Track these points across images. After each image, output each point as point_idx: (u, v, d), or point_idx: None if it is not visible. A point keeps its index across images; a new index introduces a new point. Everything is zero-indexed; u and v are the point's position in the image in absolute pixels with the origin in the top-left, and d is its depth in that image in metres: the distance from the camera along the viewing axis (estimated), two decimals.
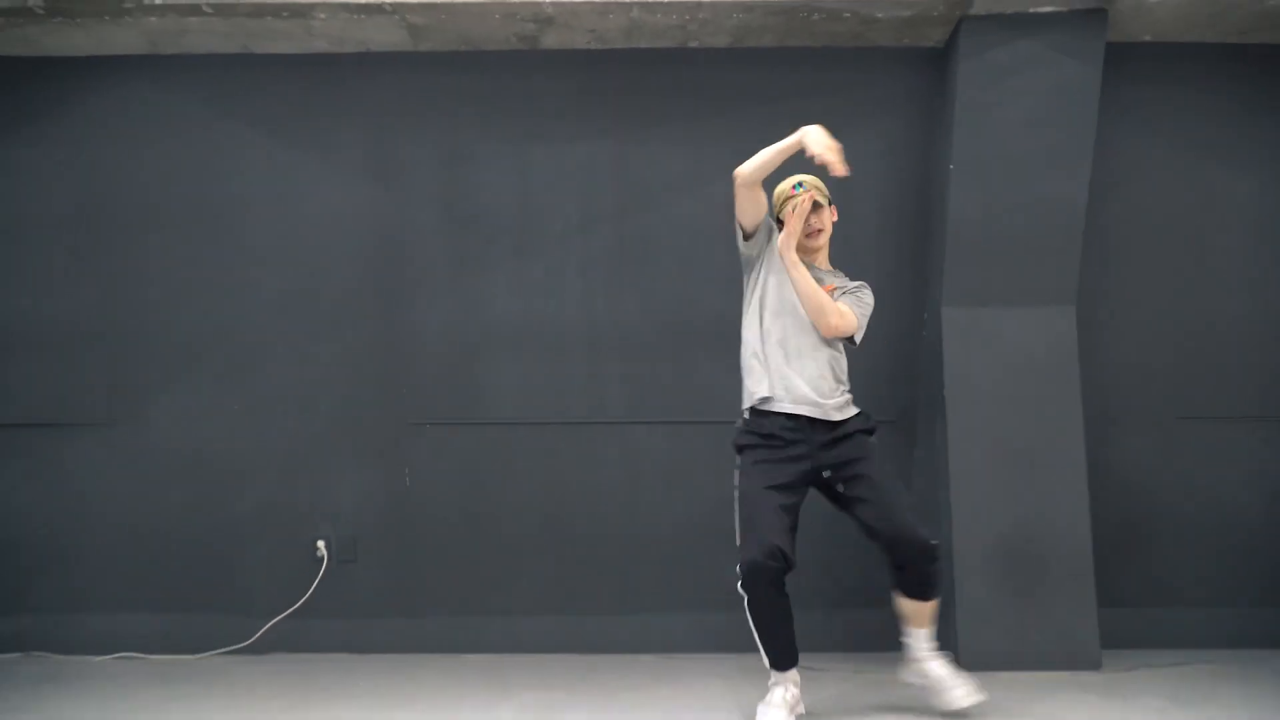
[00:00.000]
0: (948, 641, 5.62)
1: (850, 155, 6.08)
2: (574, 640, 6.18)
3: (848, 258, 6.10)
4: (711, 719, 4.36)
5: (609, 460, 6.18)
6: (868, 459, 4.51)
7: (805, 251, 4.67)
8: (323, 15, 5.55)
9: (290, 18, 5.58)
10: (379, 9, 5.48)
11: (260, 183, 6.27)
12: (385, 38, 5.85)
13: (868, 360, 6.17)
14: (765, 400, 4.52)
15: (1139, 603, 6.21)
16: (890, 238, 6.22)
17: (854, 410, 4.65)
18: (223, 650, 6.10)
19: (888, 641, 6.15)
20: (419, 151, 6.21)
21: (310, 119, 6.23)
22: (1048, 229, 5.81)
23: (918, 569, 4.47)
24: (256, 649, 6.12)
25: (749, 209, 4.58)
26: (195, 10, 5.50)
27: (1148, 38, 5.90)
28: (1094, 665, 5.51)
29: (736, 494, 4.51)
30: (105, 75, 6.11)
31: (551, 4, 5.46)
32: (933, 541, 4.44)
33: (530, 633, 6.21)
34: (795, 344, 4.55)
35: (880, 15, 5.59)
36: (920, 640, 4.65)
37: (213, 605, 6.23)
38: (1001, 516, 5.71)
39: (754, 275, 4.69)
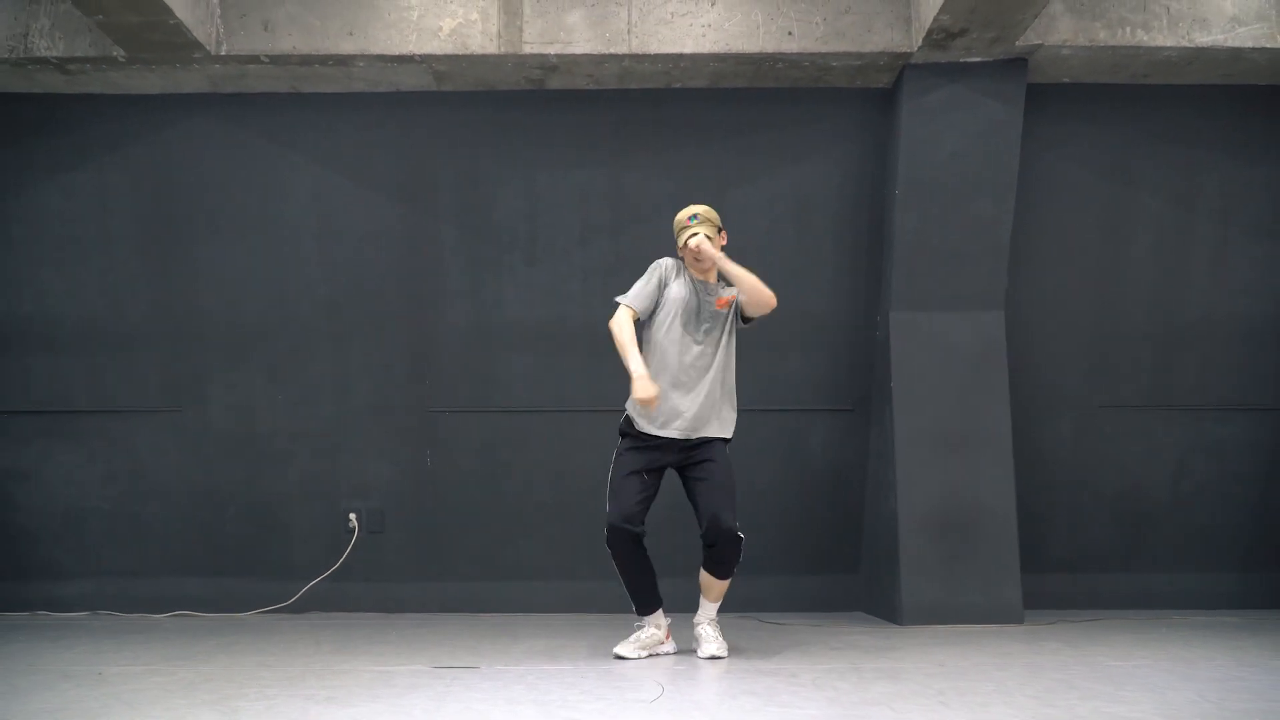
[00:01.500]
0: (891, 597, 6.38)
1: (810, 180, 6.84)
2: (578, 601, 6.80)
3: (809, 269, 6.80)
4: (688, 658, 4.94)
5: (607, 443, 6.76)
6: (714, 461, 5.02)
7: (699, 272, 5.06)
8: (361, 64, 6.34)
9: (334, 65, 6.37)
10: (410, 59, 6.27)
11: (305, 201, 6.91)
12: (414, 81, 6.60)
13: (830, 356, 6.93)
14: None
15: (1064, 568, 6.93)
16: (846, 251, 6.92)
17: (727, 421, 5.14)
18: (266, 609, 6.79)
19: (841, 603, 6.93)
20: (442, 176, 6.87)
21: (349, 147, 6.88)
22: (979, 244, 6.51)
23: (721, 551, 4.88)
24: (296, 608, 6.81)
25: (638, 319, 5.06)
26: (254, 60, 6.28)
27: (1065, 79, 6.62)
28: (1017, 619, 6.19)
29: (611, 469, 5.06)
30: (173, 109, 6.78)
31: (556, 55, 6.24)
32: (739, 533, 4.88)
33: (539, 594, 6.86)
34: (685, 378, 5.00)
35: (835, 64, 6.38)
36: (706, 610, 5.07)
37: (258, 570, 6.92)
38: (939, 491, 6.41)
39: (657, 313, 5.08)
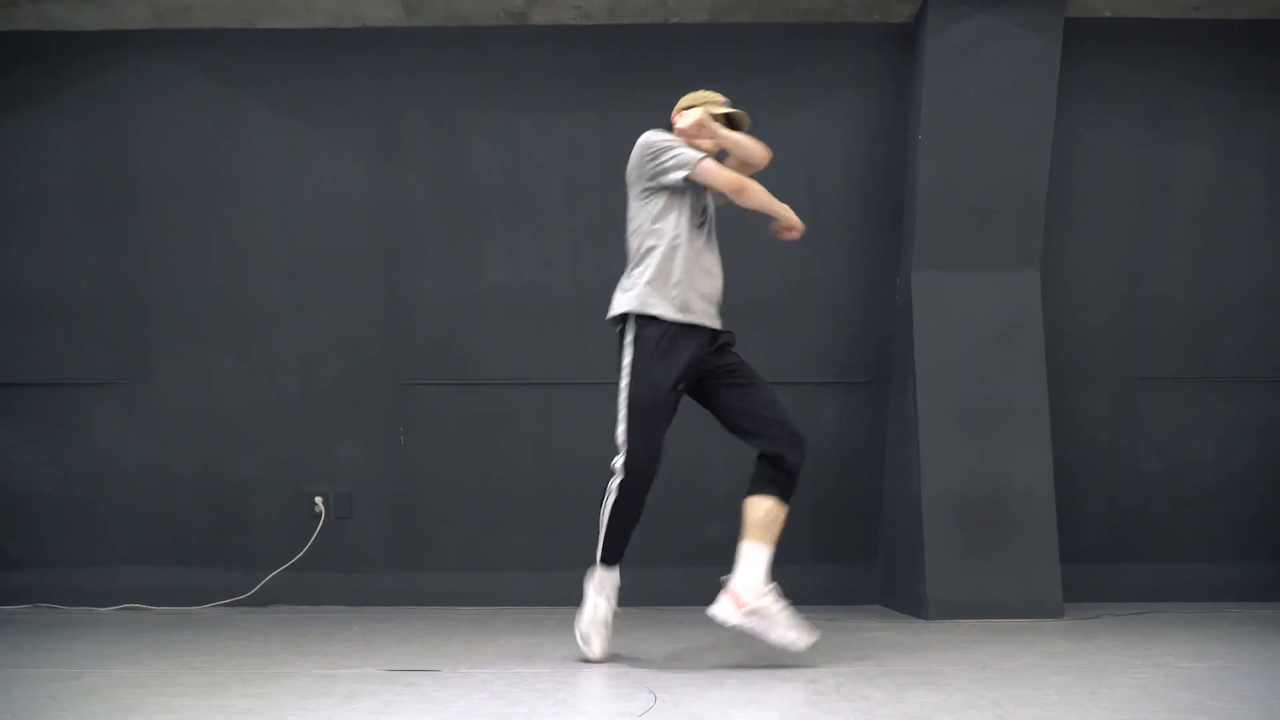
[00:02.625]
0: (913, 589, 5.81)
1: (822, 127, 6.31)
2: (562, 594, 6.11)
3: (820, 227, 6.27)
4: (677, 662, 4.32)
5: (596, 420, 6.32)
6: (741, 360, 4.49)
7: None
8: None
9: None
10: None
11: (262, 152, 6.38)
12: (381, 13, 6.01)
13: (845, 324, 6.39)
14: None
15: (1104, 557, 6.38)
16: (862, 206, 6.35)
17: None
18: (224, 602, 6.26)
19: (856, 595, 6.39)
20: (413, 123, 6.33)
21: (310, 91, 6.34)
22: (1012, 197, 5.94)
23: (795, 462, 4.27)
24: (257, 601, 6.28)
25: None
26: None
27: (1106, 13, 6.04)
28: (1056, 614, 5.63)
29: (628, 383, 4.29)
30: (114, 48, 6.23)
31: None
32: None
33: (520, 586, 6.34)
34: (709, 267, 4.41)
35: None
36: (756, 563, 4.15)
37: (215, 559, 6.40)
38: (967, 471, 5.83)
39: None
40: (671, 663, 4.20)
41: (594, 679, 3.78)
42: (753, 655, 4.28)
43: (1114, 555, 6.42)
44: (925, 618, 5.61)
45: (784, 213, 4.39)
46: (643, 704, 3.25)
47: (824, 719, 3.00)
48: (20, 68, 6.26)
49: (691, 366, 4.21)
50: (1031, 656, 4.19)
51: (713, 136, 4.32)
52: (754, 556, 4.06)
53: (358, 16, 6.06)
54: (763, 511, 4.11)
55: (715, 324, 4.33)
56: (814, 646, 4.09)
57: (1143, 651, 4.29)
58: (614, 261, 6.27)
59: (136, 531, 6.45)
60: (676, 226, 4.21)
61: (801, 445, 4.20)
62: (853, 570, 6.44)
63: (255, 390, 6.46)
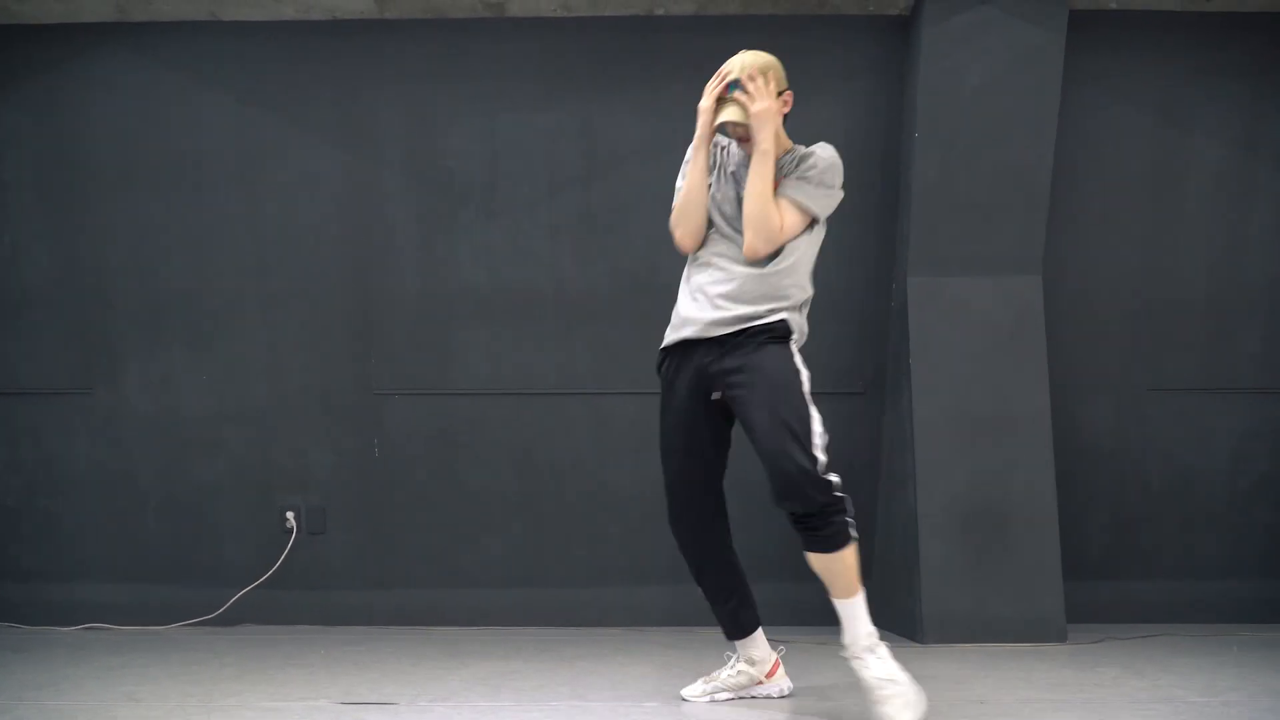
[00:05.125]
0: (909, 609, 5.60)
1: (813, 123, 6.07)
2: (543, 612, 6.16)
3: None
4: (656, 690, 4.13)
5: (577, 430, 6.14)
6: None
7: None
8: None
9: None
10: None
11: (229, 149, 6.21)
12: (352, 5, 5.81)
13: (838, 330, 6.18)
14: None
15: (1111, 574, 6.20)
16: (857, 206, 6.10)
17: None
18: (191, 621, 6.08)
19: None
20: (387, 118, 6.16)
21: (279, 86, 6.18)
22: (1013, 197, 5.76)
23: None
24: (225, 620, 6.09)
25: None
26: None
27: (1112, 4, 5.84)
28: (1059, 637, 5.43)
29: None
30: (75, 41, 6.06)
31: None
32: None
33: (498, 605, 6.17)
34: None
35: None
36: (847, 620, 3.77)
37: (182, 576, 6.21)
38: (966, 484, 5.66)
39: None
40: (652, 687, 4.09)
41: (562, 713, 3.54)
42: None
43: (1121, 572, 6.23)
44: (921, 641, 5.42)
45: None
46: None
47: None
48: None
49: (691, 389, 3.85)
50: (1032, 689, 3.97)
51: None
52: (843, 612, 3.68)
53: (328, 8, 5.86)
54: (818, 569, 3.67)
55: (712, 331, 3.75)
56: (810, 676, 4.06)
57: (1150, 682, 4.07)
58: (595, 260, 6.05)
59: (101, 546, 6.28)
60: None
61: (790, 492, 3.56)
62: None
63: (222, 397, 6.27)
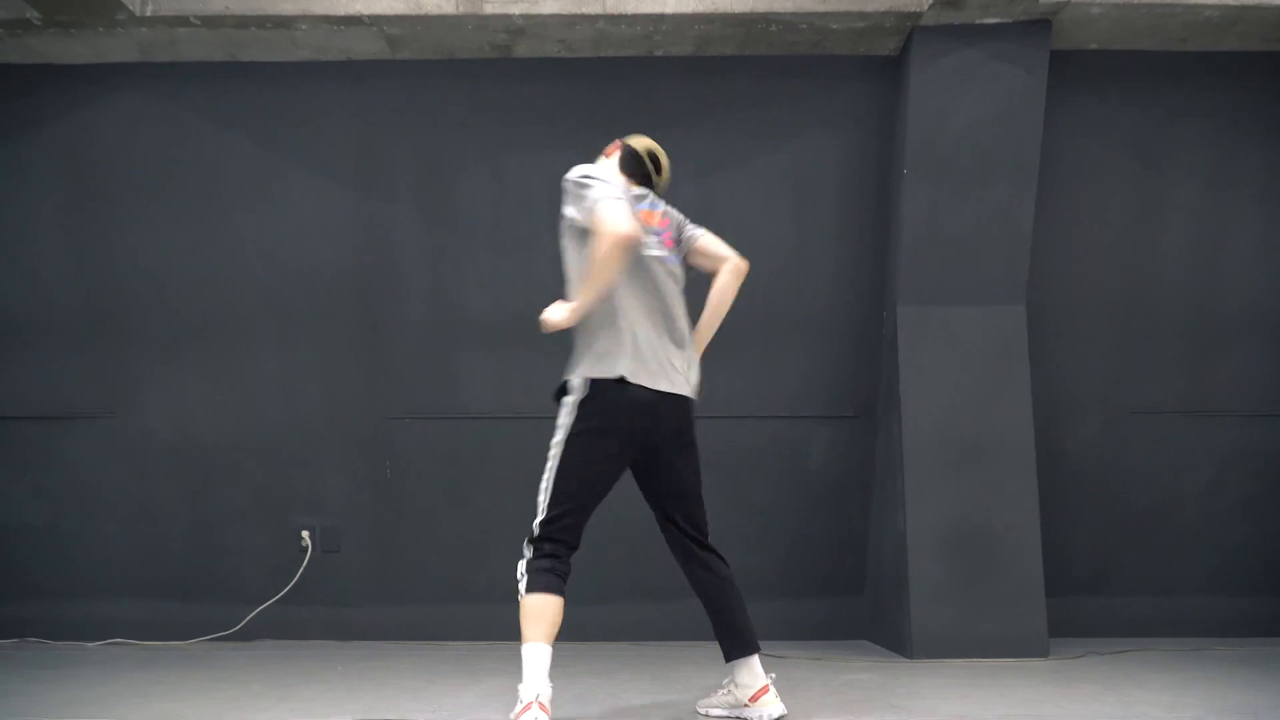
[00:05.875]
0: (899, 626, 5.78)
1: (807, 160, 6.31)
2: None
3: (806, 260, 6.32)
4: (655, 704, 4.32)
5: None
6: (694, 441, 4.14)
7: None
8: (304, 26, 5.73)
9: (274, 28, 5.76)
10: (358, 20, 5.66)
11: (246, 184, 6.37)
12: (365, 47, 6.00)
13: (832, 358, 6.39)
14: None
15: (1095, 591, 6.38)
16: (848, 240, 6.34)
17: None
18: (211, 636, 6.26)
19: (845, 630, 6.37)
20: (398, 154, 6.32)
21: (295, 124, 6.34)
22: (997, 231, 5.94)
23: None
24: (244, 635, 6.28)
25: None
26: (183, 21, 5.68)
27: (1093, 46, 6.02)
28: (1042, 653, 5.60)
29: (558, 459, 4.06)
30: (101, 81, 6.24)
31: (521, 16, 5.63)
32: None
33: (506, 619, 6.23)
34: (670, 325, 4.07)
35: (835, 26, 5.76)
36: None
37: (202, 593, 6.38)
38: (953, 506, 5.82)
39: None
40: (649, 700, 4.25)
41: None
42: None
43: (1105, 589, 6.40)
44: (910, 656, 5.59)
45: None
46: None
47: None
48: (2, 99, 6.28)
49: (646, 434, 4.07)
50: (1010, 705, 4.17)
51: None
52: None
53: (342, 50, 6.05)
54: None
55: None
56: (794, 689, 4.15)
57: (1121, 697, 4.28)
58: None
59: (123, 565, 6.44)
60: None
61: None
62: (841, 604, 6.42)
63: (240, 422, 6.44)
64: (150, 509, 6.46)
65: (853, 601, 6.43)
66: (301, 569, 6.35)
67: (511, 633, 6.14)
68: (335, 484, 6.46)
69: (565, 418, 3.90)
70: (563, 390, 3.93)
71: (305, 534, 6.40)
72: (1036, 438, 6.02)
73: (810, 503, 6.45)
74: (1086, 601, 6.35)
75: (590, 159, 6.17)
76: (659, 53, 6.13)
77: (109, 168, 6.36)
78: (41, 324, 6.43)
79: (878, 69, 6.19)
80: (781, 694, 4.18)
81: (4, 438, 6.47)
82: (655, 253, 3.97)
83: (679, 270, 4.09)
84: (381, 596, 6.38)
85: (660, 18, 5.67)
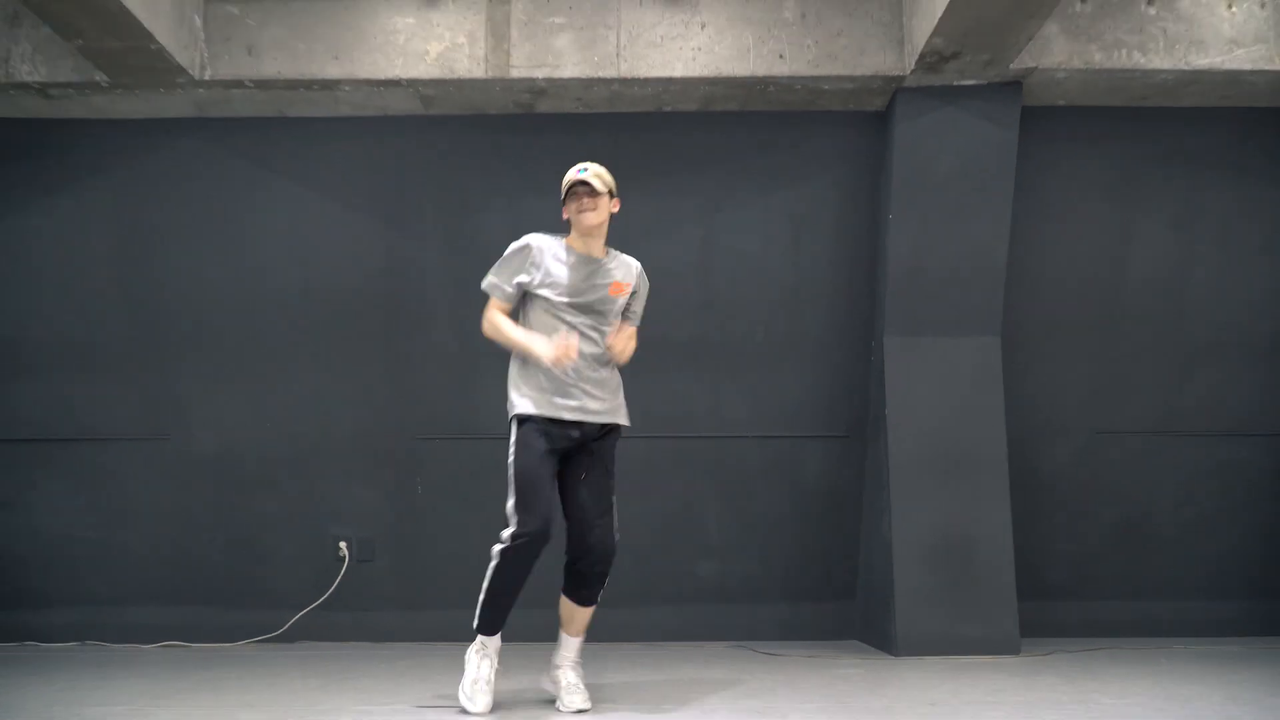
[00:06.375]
0: (886, 627, 6.30)
1: (803, 203, 6.80)
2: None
3: (802, 293, 6.78)
4: (665, 698, 4.75)
5: None
6: (604, 460, 4.56)
7: (581, 231, 4.53)
8: (348, 88, 6.31)
9: (320, 90, 6.34)
10: (396, 83, 6.24)
11: (288, 226, 6.88)
12: (401, 105, 6.57)
13: (825, 381, 6.91)
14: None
15: (1065, 595, 6.88)
16: (840, 275, 6.88)
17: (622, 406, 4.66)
18: (255, 639, 6.74)
19: (839, 631, 6.87)
20: (427, 198, 6.83)
21: (334, 171, 6.85)
22: (974, 268, 6.47)
23: (594, 568, 4.57)
24: (286, 638, 6.77)
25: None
26: (238, 84, 6.26)
27: (1061, 102, 6.57)
28: (1014, 650, 6.12)
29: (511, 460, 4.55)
30: (157, 134, 6.76)
31: (544, 79, 6.21)
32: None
33: (526, 623, 6.67)
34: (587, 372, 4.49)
35: (827, 87, 6.34)
36: (569, 649, 4.70)
37: (247, 599, 6.86)
38: (934, 518, 6.35)
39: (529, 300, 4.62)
40: (659, 695, 4.72)
41: (590, 715, 4.31)
42: (733, 691, 4.79)
43: (1077, 594, 6.90)
44: (895, 654, 6.12)
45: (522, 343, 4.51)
46: None
47: None
48: (69, 150, 6.78)
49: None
50: (977, 693, 4.73)
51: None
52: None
53: (379, 106, 6.60)
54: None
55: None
56: (789, 680, 4.63)
57: (1076, 688, 4.83)
58: None
59: (172, 573, 6.90)
60: None
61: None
62: (834, 608, 6.94)
63: (281, 444, 6.93)
64: (197, 522, 6.92)
65: (844, 605, 6.95)
66: (339, 577, 6.82)
67: (531, 635, 6.61)
68: (369, 498, 6.94)
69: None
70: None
71: (343, 544, 6.87)
72: (1013, 455, 6.53)
73: (805, 514, 6.97)
74: (1060, 606, 6.83)
75: None
76: (668, 109, 6.68)
77: (161, 210, 6.86)
78: (96, 352, 6.91)
79: (866, 123, 6.72)
80: (776, 690, 4.74)
81: (60, 458, 6.94)
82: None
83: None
84: (413, 602, 6.84)
85: (669, 80, 6.25)
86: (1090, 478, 6.96)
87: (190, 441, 6.95)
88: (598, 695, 4.71)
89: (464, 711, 4.35)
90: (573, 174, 4.51)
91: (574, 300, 4.42)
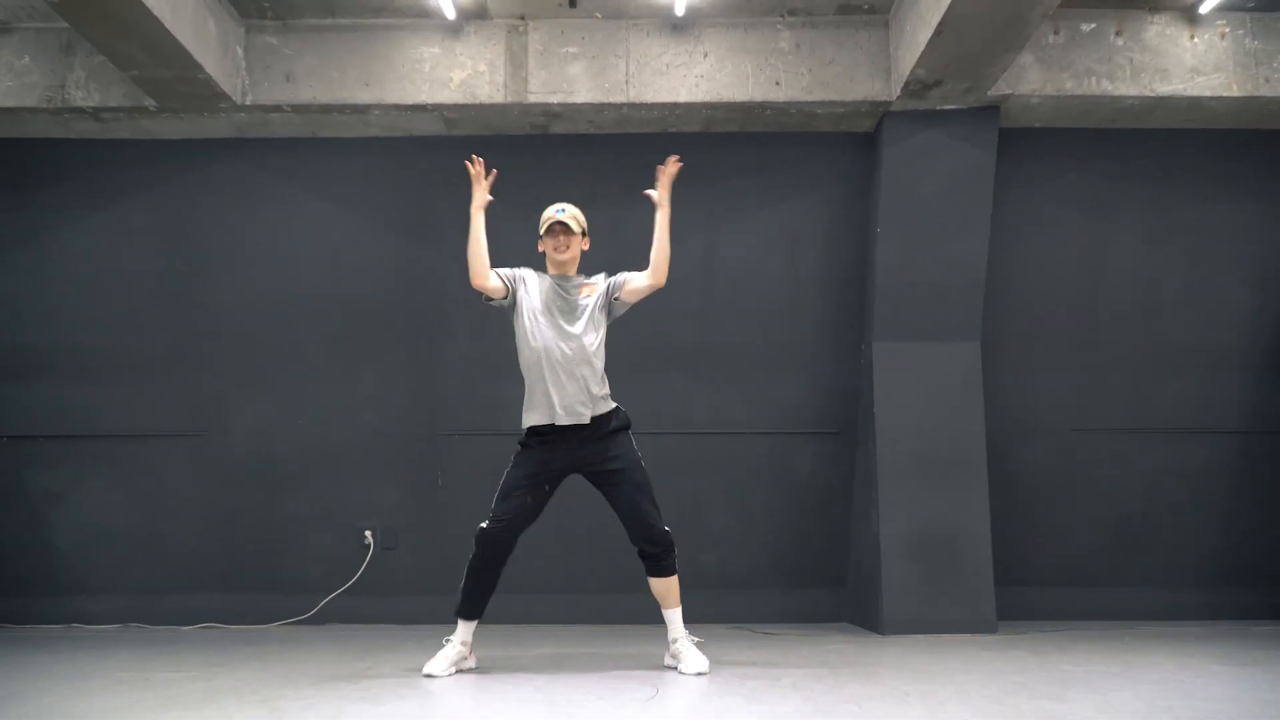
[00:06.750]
0: (874, 610, 6.75)
1: (797, 218, 7.26)
2: (578, 613, 7.21)
3: (797, 301, 7.23)
4: (669, 672, 5.14)
5: None
6: (622, 460, 5.11)
7: (555, 265, 5.21)
8: (377, 112, 6.84)
9: (352, 114, 6.86)
10: (422, 108, 6.76)
11: (319, 240, 7.34)
12: (426, 127, 7.08)
13: (818, 383, 7.36)
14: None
15: (1042, 582, 7.31)
16: (832, 284, 7.35)
17: (609, 407, 5.15)
18: (287, 621, 7.18)
19: (829, 615, 7.32)
20: (449, 214, 7.18)
21: (364, 189, 7.32)
22: (956, 278, 6.92)
23: (657, 552, 5.10)
24: (315, 620, 7.20)
25: (493, 289, 5.21)
26: (277, 109, 6.77)
27: (1037, 124, 7.07)
28: (991, 630, 6.58)
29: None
30: (198, 153, 7.24)
31: (559, 104, 6.73)
32: (666, 531, 5.10)
33: (542, 606, 7.24)
34: (565, 368, 5.07)
35: (820, 111, 6.86)
36: (675, 622, 5.17)
37: (278, 584, 7.30)
38: (919, 510, 6.80)
39: (517, 318, 5.25)
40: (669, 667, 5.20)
41: (610, 678, 4.81)
42: (733, 662, 5.29)
43: (1053, 581, 7.35)
44: (882, 633, 6.59)
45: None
46: (649, 693, 4.34)
47: (778, 703, 4.05)
48: (116, 168, 7.27)
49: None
50: (955, 662, 5.25)
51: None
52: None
53: (405, 128, 7.11)
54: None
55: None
56: (785, 654, 5.14)
57: (1044, 659, 5.34)
58: (616, 326, 7.04)
59: (209, 561, 7.34)
60: None
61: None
62: (827, 593, 7.39)
63: (311, 440, 7.38)
64: (232, 513, 7.36)
65: (837, 591, 7.41)
66: (365, 564, 7.25)
67: (546, 617, 7.06)
68: (393, 491, 7.38)
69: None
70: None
71: (368, 534, 7.30)
72: (992, 452, 6.98)
73: (800, 507, 7.43)
74: (1036, 592, 7.26)
75: (611, 215, 7.23)
76: (672, 130, 7.18)
77: (201, 224, 7.32)
78: (139, 357, 7.36)
79: (855, 144, 7.21)
80: (774, 661, 5.24)
81: (105, 454, 7.39)
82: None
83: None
84: (434, 587, 7.12)
85: (674, 105, 6.77)
86: (1064, 473, 7.40)
87: (227, 438, 7.39)
88: (630, 663, 5.26)
89: (428, 675, 4.94)
90: (551, 212, 5.24)
91: (554, 310, 5.15)
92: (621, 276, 5.27)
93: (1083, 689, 4.38)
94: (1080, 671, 4.90)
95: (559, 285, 5.19)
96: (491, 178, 5.28)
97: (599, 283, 5.26)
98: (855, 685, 4.49)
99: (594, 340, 5.15)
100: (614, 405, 5.19)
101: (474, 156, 5.24)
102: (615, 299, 5.24)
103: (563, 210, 5.22)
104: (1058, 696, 4.20)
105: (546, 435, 5.12)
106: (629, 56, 6.72)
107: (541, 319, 5.13)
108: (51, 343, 7.38)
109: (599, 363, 5.15)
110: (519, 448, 5.23)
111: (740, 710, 3.95)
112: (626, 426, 5.22)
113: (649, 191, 5.28)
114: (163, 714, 3.89)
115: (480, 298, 5.26)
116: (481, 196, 5.26)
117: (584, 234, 5.31)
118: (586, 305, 5.18)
